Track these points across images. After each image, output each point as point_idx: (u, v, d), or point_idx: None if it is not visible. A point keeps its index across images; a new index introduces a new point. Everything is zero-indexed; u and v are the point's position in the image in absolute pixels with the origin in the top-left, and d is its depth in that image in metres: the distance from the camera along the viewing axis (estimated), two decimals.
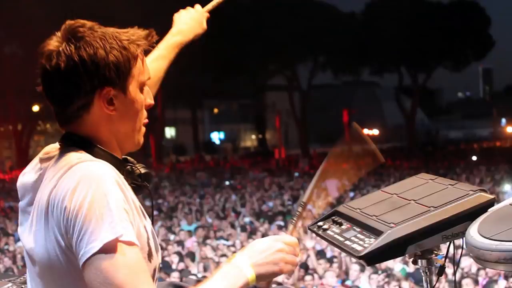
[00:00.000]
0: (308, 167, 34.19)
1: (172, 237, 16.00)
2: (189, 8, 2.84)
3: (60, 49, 1.96)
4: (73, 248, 1.85)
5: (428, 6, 52.27)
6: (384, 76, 59.89)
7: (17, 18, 39.64)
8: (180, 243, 14.85)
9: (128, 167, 2.10)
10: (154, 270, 2.05)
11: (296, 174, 30.38)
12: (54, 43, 1.99)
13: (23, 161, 47.48)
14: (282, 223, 15.81)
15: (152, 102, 2.16)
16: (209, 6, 2.90)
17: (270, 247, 2.06)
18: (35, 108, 47.40)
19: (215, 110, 74.50)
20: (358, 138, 2.35)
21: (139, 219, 1.98)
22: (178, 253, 13.45)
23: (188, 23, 2.79)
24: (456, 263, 2.55)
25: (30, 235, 1.99)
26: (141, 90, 2.09)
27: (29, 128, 49.63)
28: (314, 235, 2.98)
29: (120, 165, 2.06)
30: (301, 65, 52.00)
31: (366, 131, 69.25)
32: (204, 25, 2.86)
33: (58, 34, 2.01)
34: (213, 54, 38.89)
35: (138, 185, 2.09)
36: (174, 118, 60.59)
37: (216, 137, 75.95)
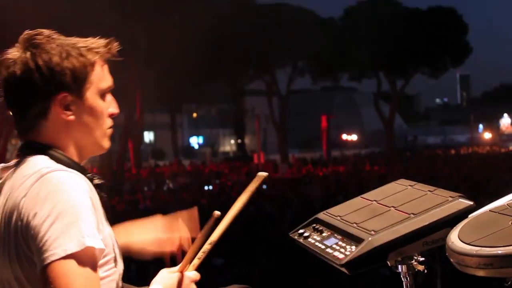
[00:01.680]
0: (288, 173, 34.25)
1: None
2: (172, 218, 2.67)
3: (17, 57, 2.02)
4: (33, 254, 1.88)
5: (406, 12, 52.57)
6: (363, 82, 60.14)
7: None
8: None
9: (89, 175, 2.09)
10: (119, 275, 2.11)
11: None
12: (13, 52, 2.05)
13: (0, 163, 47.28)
14: None
15: (116, 111, 2.20)
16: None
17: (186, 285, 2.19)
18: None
19: (194, 115, 74.52)
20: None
21: (106, 226, 2.04)
22: None
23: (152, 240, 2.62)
24: (438, 269, 2.55)
25: None
26: (103, 97, 2.14)
27: (6, 131, 49.35)
28: None
29: (83, 172, 2.07)
30: (280, 70, 52.02)
31: (345, 136, 69.72)
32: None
33: (17, 44, 2.06)
34: (192, 59, 38.87)
35: (99, 195, 2.07)
36: (153, 122, 60.58)
37: (195, 141, 75.94)
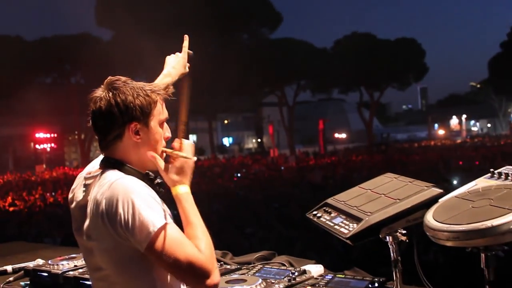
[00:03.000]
0: (295, 162, 34.16)
1: None
2: (176, 53, 2.81)
3: (102, 95, 2.09)
4: (130, 241, 1.94)
5: (380, 42, 52.44)
6: (349, 94, 59.88)
7: (81, 56, 39.81)
8: None
9: (150, 177, 2.18)
10: None
11: (282, 168, 30.34)
12: (99, 92, 2.12)
13: (86, 161, 47.51)
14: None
15: (169, 135, 2.26)
16: (185, 54, 2.85)
17: (188, 164, 2.18)
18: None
19: (225, 121, 74.40)
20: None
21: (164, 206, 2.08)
22: None
23: (175, 66, 2.77)
24: (415, 238, 2.54)
25: (90, 238, 2.07)
26: (161, 126, 2.20)
27: (90, 137, 49.65)
28: None
29: (144, 178, 2.13)
30: (288, 87, 52.04)
31: (336, 135, 69.25)
32: (187, 68, 2.80)
33: (101, 86, 2.13)
34: (224, 80, 38.90)
35: (157, 190, 2.13)
36: (195, 127, 60.63)
37: (227, 141, 75.88)
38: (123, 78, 2.15)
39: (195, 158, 2.25)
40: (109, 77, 2.15)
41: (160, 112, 2.18)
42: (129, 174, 2.08)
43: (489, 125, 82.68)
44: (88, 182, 2.18)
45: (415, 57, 52.33)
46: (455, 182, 16.16)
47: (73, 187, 2.27)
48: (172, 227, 1.97)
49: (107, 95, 2.08)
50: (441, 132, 74.75)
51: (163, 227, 1.93)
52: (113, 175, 2.05)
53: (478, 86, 78.32)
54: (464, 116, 72.64)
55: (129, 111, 2.07)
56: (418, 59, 53.23)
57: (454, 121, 72.91)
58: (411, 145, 54.70)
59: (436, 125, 78.43)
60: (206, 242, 2.02)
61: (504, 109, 68.23)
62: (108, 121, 2.08)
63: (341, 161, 32.62)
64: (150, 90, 2.14)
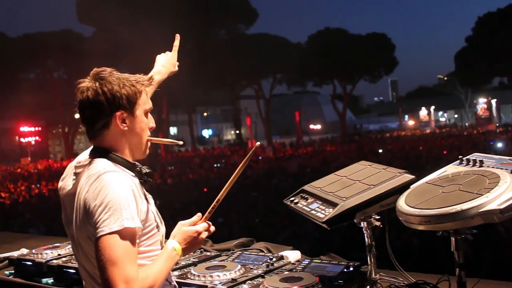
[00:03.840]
0: (272, 153, 34.17)
1: None
2: (167, 52, 2.85)
3: (89, 85, 2.08)
4: (93, 230, 1.93)
5: (351, 37, 52.56)
6: (323, 87, 59.98)
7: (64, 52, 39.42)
8: None
9: (138, 168, 2.15)
10: (163, 236, 2.19)
11: (260, 157, 30.32)
12: (85, 82, 2.10)
13: (69, 154, 47.18)
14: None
15: (154, 125, 2.26)
16: (175, 53, 2.85)
17: (194, 237, 2.18)
18: (77, 115, 46.67)
19: (205, 114, 74.25)
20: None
21: (146, 205, 2.08)
22: None
23: (165, 65, 2.81)
24: (387, 224, 2.54)
25: (77, 226, 2.07)
26: (146, 116, 2.19)
27: (73, 130, 49.24)
28: None
29: (132, 167, 2.13)
30: (264, 80, 51.99)
31: (311, 126, 69.37)
32: (176, 67, 2.86)
33: (88, 77, 2.11)
34: (203, 73, 38.76)
35: (144, 180, 2.14)
36: (175, 120, 60.42)
37: (206, 133, 75.70)
38: (109, 69, 2.14)
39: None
40: (95, 69, 2.14)
41: (145, 102, 2.18)
42: (117, 163, 2.09)
43: (456, 115, 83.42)
44: (78, 171, 2.17)
45: (386, 51, 52.57)
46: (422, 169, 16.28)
47: (63, 176, 2.26)
48: (128, 234, 1.92)
49: (94, 84, 2.07)
50: (411, 122, 75.20)
51: (119, 232, 1.89)
52: (102, 166, 2.05)
53: (445, 78, 79.00)
54: (432, 107, 73.06)
55: (116, 100, 2.07)
56: (388, 53, 53.47)
57: (423, 112, 73.24)
58: (382, 135, 55.10)
59: (406, 116, 78.88)
60: (151, 279, 1.94)
61: (470, 100, 68.80)
62: (95, 110, 2.07)
63: (316, 151, 32.73)
64: (135, 80, 2.15)
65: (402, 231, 8.09)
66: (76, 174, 2.17)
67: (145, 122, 2.19)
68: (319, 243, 9.20)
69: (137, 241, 1.99)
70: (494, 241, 8.10)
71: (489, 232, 8.15)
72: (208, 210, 2.23)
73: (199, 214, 2.25)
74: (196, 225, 2.21)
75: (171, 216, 9.49)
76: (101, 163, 2.06)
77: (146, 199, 2.12)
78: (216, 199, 2.23)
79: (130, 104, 2.10)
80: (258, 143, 2.44)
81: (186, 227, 2.20)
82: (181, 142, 2.37)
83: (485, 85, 59.92)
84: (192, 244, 2.19)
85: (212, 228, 2.25)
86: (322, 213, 2.45)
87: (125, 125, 2.11)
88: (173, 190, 17.82)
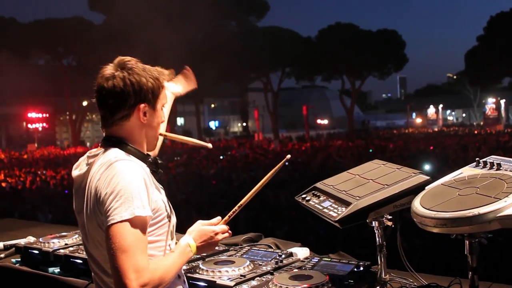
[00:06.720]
0: (279, 146, 34.06)
1: None
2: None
3: (116, 74, 2.03)
4: (104, 218, 1.92)
5: (362, 33, 52.33)
6: (332, 82, 60.00)
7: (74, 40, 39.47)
8: None
9: (150, 159, 2.13)
10: (173, 226, 2.18)
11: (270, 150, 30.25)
12: (109, 69, 2.06)
13: (76, 141, 47.35)
14: None
15: (164, 119, 2.32)
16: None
17: (211, 236, 2.21)
18: (84, 103, 47.10)
19: (212, 105, 74.26)
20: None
21: (158, 195, 2.06)
22: None
23: (185, 87, 3.00)
24: (399, 224, 2.52)
25: (87, 215, 2.05)
26: (161, 109, 2.18)
27: (80, 117, 49.36)
28: None
29: (145, 158, 2.12)
30: (273, 73, 51.97)
31: (319, 121, 69.31)
32: (195, 84, 3.04)
33: (111, 64, 2.07)
34: (212, 65, 38.72)
35: (155, 171, 2.14)
36: (183, 111, 60.42)
37: (213, 124, 75.75)
38: (133, 59, 2.11)
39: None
40: (119, 57, 2.11)
41: (164, 96, 2.17)
42: (130, 154, 2.08)
43: (464, 115, 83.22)
44: (90, 160, 2.15)
45: (396, 48, 52.38)
46: (427, 167, 16.17)
47: (76, 164, 2.25)
48: (139, 223, 1.90)
49: (120, 73, 2.04)
50: (418, 120, 75.10)
51: (130, 220, 1.88)
52: (114, 154, 2.04)
53: (455, 77, 78.71)
54: (440, 105, 72.91)
55: (142, 92, 2.06)
56: (399, 50, 53.27)
57: (431, 110, 73.13)
58: (390, 132, 54.96)
59: (414, 114, 78.74)
60: (162, 271, 1.93)
61: (479, 100, 68.50)
62: (120, 99, 2.04)
63: (323, 146, 32.61)
64: (158, 74, 2.13)
65: (404, 230, 8.03)
66: (88, 163, 2.15)
67: (161, 117, 2.19)
68: (324, 239, 9.17)
69: (148, 230, 1.98)
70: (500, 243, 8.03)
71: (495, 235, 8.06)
72: (229, 214, 2.25)
73: (219, 217, 2.27)
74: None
75: (175, 207, 9.46)
76: (114, 152, 2.05)
77: (157, 188, 2.11)
78: (238, 204, 2.24)
79: (153, 98, 2.10)
80: (289, 156, 2.45)
81: (204, 226, 2.22)
82: (210, 146, 2.38)
83: (495, 85, 59.63)
84: (207, 243, 2.20)
85: (230, 232, 2.26)
86: (334, 211, 2.42)
87: (145, 118, 2.09)
88: (177, 181, 17.79)
